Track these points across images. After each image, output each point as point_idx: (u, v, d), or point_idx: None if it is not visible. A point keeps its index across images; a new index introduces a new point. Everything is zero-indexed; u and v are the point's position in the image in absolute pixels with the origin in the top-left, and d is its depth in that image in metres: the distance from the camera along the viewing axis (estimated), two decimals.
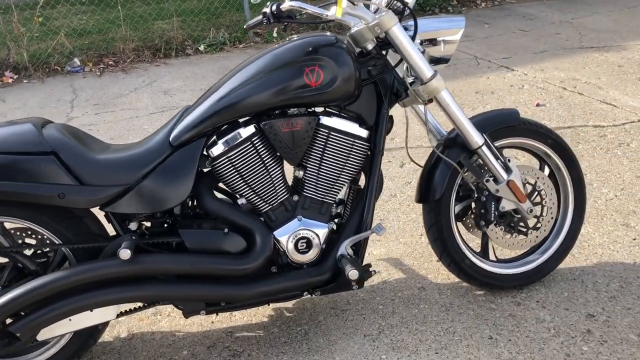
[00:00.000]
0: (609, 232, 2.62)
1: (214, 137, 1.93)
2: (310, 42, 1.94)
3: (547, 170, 2.32)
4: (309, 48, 1.91)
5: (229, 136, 1.90)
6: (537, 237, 2.25)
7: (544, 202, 2.24)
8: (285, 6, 1.91)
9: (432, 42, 2.09)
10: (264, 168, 1.93)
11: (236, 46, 6.06)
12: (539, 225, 2.24)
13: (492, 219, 2.13)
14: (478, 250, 2.29)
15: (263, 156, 1.92)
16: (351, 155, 1.98)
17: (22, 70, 5.50)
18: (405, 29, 2.02)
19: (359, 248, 2.04)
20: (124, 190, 1.84)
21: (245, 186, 1.94)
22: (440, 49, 2.09)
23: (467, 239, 2.31)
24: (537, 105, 4.03)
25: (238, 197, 1.99)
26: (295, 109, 1.96)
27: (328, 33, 2.06)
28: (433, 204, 2.18)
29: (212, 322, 2.24)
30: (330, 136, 1.95)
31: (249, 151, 1.91)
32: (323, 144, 1.95)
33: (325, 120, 1.95)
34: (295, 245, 1.97)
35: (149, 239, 1.91)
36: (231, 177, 1.92)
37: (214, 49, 5.96)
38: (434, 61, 2.16)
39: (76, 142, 1.87)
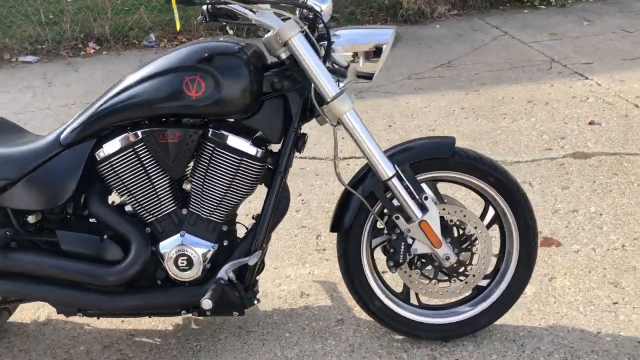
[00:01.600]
0: (589, 289, 2.21)
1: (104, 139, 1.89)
2: (199, 49, 1.80)
3: (491, 213, 2.01)
4: (197, 55, 1.78)
5: (114, 141, 1.83)
6: (462, 287, 1.96)
7: (474, 249, 1.94)
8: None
9: (353, 56, 1.87)
10: (146, 177, 1.84)
11: None
12: (466, 274, 1.95)
13: (401, 260, 1.88)
14: (400, 290, 2.05)
15: (146, 165, 1.83)
16: (238, 175, 1.83)
17: (104, 42, 5.87)
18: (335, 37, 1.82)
19: (246, 273, 1.91)
20: (6, 184, 1.87)
21: (128, 194, 1.87)
22: (359, 65, 1.86)
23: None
24: (590, 123, 3.50)
25: (127, 204, 1.94)
26: (190, 118, 1.87)
27: (236, 39, 1.92)
28: (343, 234, 1.97)
29: (122, 321, 2.24)
30: (215, 152, 1.82)
31: (131, 158, 1.83)
32: (207, 159, 1.83)
33: (212, 133, 1.82)
34: (175, 261, 1.88)
35: (28, 235, 1.93)
36: (115, 182, 1.86)
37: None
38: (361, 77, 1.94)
39: None
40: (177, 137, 1.79)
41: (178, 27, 1.73)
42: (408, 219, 1.86)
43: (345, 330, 2.10)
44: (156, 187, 1.86)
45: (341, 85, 1.90)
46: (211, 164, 1.83)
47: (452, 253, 1.88)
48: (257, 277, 2.07)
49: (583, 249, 2.43)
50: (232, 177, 1.83)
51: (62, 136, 1.88)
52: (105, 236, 1.89)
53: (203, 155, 1.83)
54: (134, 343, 2.12)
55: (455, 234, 1.93)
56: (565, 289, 2.23)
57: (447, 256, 1.88)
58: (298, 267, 2.46)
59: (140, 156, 1.83)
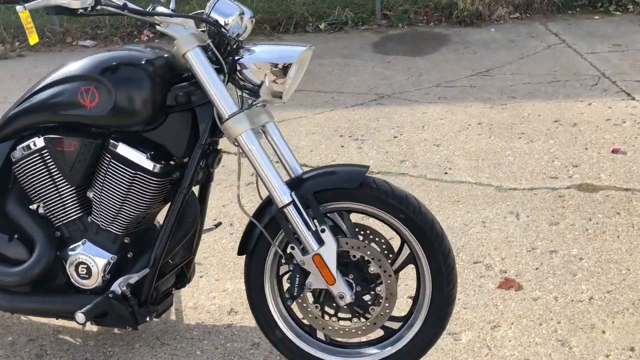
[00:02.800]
0: (531, 344, 1.98)
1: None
2: (100, 58, 1.78)
3: (406, 252, 1.84)
4: (95, 64, 1.76)
5: (25, 144, 1.86)
6: (364, 328, 1.81)
7: (378, 289, 1.78)
8: None
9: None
10: (51, 182, 1.85)
11: (358, 27, 5.81)
12: (367, 315, 1.79)
13: (295, 293, 1.77)
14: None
15: (50, 170, 1.84)
16: (133, 188, 1.79)
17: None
18: None
19: (142, 288, 1.88)
20: None
21: (38, 196, 1.89)
22: (265, 84, 1.75)
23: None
24: (614, 151, 3.14)
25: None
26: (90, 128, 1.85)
27: (150, 48, 1.86)
28: (248, 259, 1.89)
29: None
30: (111, 163, 1.79)
31: (37, 163, 1.85)
32: (104, 170, 1.81)
33: (111, 145, 1.80)
34: (76, 268, 1.89)
35: None
36: (26, 184, 1.89)
37: (334, 29, 5.80)
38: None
39: None
40: (73, 146, 1.78)
41: (33, 40, 1.70)
42: (304, 251, 1.75)
43: (256, 356, 2.03)
44: (61, 193, 1.87)
45: (254, 103, 1.83)
46: (107, 175, 1.81)
47: (347, 291, 1.74)
48: (174, 291, 2.06)
49: (544, 297, 2.18)
50: (126, 189, 1.80)
51: None
52: (16, 236, 1.94)
53: (102, 166, 1.81)
54: (56, 340, 2.16)
55: (359, 272, 1.80)
56: (505, 340, 2.01)
57: (342, 295, 1.74)
58: (239, 281, 2.41)
59: (46, 161, 1.84)
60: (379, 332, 1.89)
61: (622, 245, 2.43)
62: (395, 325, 1.89)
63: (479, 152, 3.28)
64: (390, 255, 1.86)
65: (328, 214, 1.84)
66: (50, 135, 1.80)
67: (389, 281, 1.77)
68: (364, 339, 1.91)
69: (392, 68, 4.69)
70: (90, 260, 1.86)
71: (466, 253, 2.46)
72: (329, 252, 1.72)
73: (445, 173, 3.09)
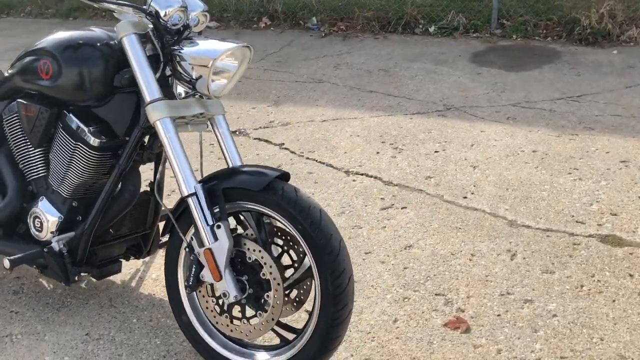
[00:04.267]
0: None
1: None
2: (61, 35, 1.98)
3: (307, 264, 1.77)
4: (56, 41, 1.96)
5: (9, 105, 2.11)
6: (251, 332, 1.78)
7: (266, 296, 1.74)
8: None
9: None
10: (22, 141, 2.09)
11: (468, 34, 5.53)
12: (252, 320, 1.76)
13: (190, 283, 1.79)
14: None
15: (21, 131, 2.07)
16: (74, 158, 1.95)
17: (276, 19, 6.28)
18: None
19: (77, 249, 2.03)
20: None
21: (15, 152, 2.14)
22: (192, 77, 1.79)
23: None
24: None
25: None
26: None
27: (108, 31, 1.98)
28: (167, 244, 1.96)
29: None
30: (60, 131, 1.97)
31: (13, 122, 2.09)
32: (55, 136, 1.99)
33: (63, 115, 1.97)
34: (33, 221, 2.10)
35: None
36: (8, 140, 2.14)
37: (443, 33, 5.58)
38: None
39: None
40: (32, 111, 1.99)
41: None
42: (200, 244, 1.78)
43: (179, 335, 2.10)
44: (29, 152, 2.09)
45: (190, 94, 1.89)
46: (57, 142, 2.00)
47: (233, 291, 1.74)
48: (132, 260, 2.22)
49: (486, 347, 1.98)
50: (69, 158, 1.97)
51: None
52: None
53: (55, 133, 2.00)
54: (36, 282, 2.43)
55: (253, 275, 1.78)
56: None
57: (225, 293, 1.75)
58: None
59: (18, 122, 2.08)
60: (277, 339, 1.89)
61: (611, 311, 2.11)
62: (290, 335, 1.86)
63: (513, 181, 3.01)
64: (296, 266, 1.84)
65: (242, 213, 1.86)
66: (20, 100, 2.04)
67: (277, 289, 1.75)
68: (260, 341, 1.92)
69: (477, 80, 4.43)
70: (43, 215, 2.07)
71: (433, 283, 2.30)
72: (220, 249, 1.74)
73: (465, 197, 2.89)
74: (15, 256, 1.98)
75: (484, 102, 4.02)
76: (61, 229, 2.08)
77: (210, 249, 1.74)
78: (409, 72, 4.66)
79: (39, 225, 2.10)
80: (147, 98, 1.79)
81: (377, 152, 3.38)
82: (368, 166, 3.23)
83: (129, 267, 2.47)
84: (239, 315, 1.82)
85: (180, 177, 1.78)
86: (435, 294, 2.25)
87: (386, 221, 2.73)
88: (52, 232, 2.08)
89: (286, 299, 1.88)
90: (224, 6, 6.51)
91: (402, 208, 2.84)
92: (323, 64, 4.96)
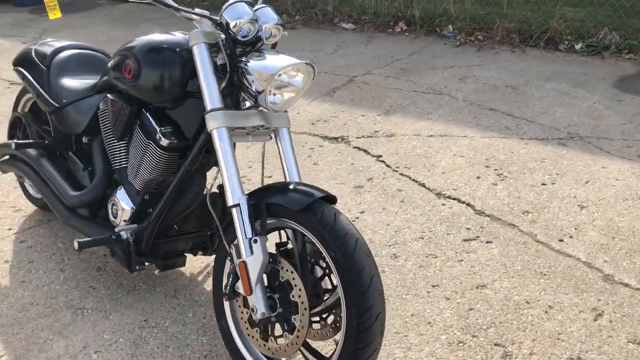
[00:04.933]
0: None
1: None
2: (146, 38, 2.06)
3: (338, 295, 1.68)
4: (141, 43, 2.04)
5: (104, 99, 2.26)
6: (276, 351, 1.73)
7: (293, 318, 1.67)
8: None
9: None
10: (110, 133, 2.22)
11: (620, 54, 4.95)
12: (280, 338, 1.71)
13: (227, 292, 1.79)
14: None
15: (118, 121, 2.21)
16: (146, 155, 2.04)
17: (413, 24, 6.12)
18: None
19: (141, 240, 2.12)
20: (57, 108, 2.49)
21: (105, 141, 2.29)
22: (252, 90, 1.78)
23: None
24: None
25: None
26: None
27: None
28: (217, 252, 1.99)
29: None
30: (137, 128, 2.06)
31: (105, 115, 2.24)
32: (134, 132, 2.08)
33: (142, 113, 2.06)
34: (111, 208, 2.24)
35: (56, 147, 2.55)
36: (102, 131, 2.30)
37: (590, 51, 5.05)
38: None
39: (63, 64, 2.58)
40: (116, 107, 2.12)
41: (52, 16, 1.95)
42: (239, 255, 1.77)
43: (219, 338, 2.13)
44: (114, 143, 2.24)
45: (252, 105, 1.88)
46: (133, 137, 2.10)
47: (261, 307, 1.72)
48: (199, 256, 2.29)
49: None
50: (142, 155, 2.07)
51: (98, 84, 2.40)
52: (89, 168, 2.39)
53: (134, 129, 2.11)
54: (107, 261, 2.60)
55: (284, 295, 1.73)
56: None
57: (254, 308, 1.72)
58: None
59: (107, 115, 2.23)
60: None
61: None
62: None
63: (624, 229, 2.64)
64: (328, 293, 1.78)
65: (287, 229, 1.83)
66: (109, 95, 2.18)
67: (303, 314, 1.69)
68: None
69: (615, 108, 3.96)
70: (119, 204, 2.21)
71: (497, 331, 2.10)
72: (255, 263, 1.73)
73: (560, 240, 2.59)
74: (85, 239, 2.14)
75: (616, 134, 3.59)
76: (133, 219, 2.20)
77: (244, 262, 1.74)
78: (539, 92, 4.30)
79: (115, 213, 2.25)
80: (208, 106, 1.82)
81: (478, 177, 3.17)
82: (463, 191, 3.03)
83: (201, 261, 2.57)
84: (268, 332, 1.81)
85: (228, 186, 1.79)
86: (495, 344, 2.05)
87: (465, 254, 2.55)
88: (124, 221, 2.21)
89: (322, 323, 1.84)
90: (363, 8, 6.51)
91: (486, 242, 2.63)
92: (448, 75, 4.76)
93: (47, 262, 2.62)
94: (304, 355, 1.86)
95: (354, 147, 3.59)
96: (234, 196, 1.79)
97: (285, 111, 1.99)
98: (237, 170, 1.81)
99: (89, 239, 2.14)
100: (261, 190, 1.84)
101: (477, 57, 5.23)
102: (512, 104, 4.12)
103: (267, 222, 1.78)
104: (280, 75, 1.79)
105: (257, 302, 1.74)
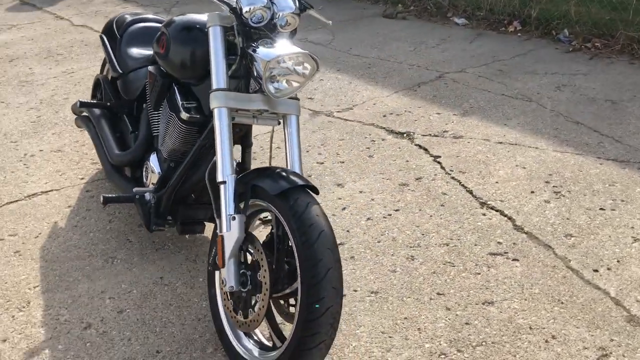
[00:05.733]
0: None
1: None
2: (181, 16, 2.18)
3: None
4: (175, 20, 2.17)
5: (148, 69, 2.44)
6: (241, 325, 1.79)
7: (256, 297, 1.72)
8: None
9: None
10: (150, 101, 2.39)
11: None
12: (245, 314, 1.77)
13: (210, 262, 1.88)
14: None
15: (153, 92, 2.38)
16: (169, 126, 2.19)
17: (528, 24, 5.75)
18: None
19: (161, 203, 2.28)
20: (120, 75, 2.73)
21: (147, 108, 2.46)
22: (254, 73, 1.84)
23: None
24: None
25: None
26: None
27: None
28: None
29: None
30: (166, 100, 2.19)
31: (148, 84, 2.40)
32: (162, 104, 2.22)
33: (171, 87, 2.19)
34: (145, 170, 2.42)
35: (114, 110, 2.80)
36: (147, 97, 2.48)
37: None
38: None
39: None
40: (152, 79, 2.28)
41: None
42: (220, 229, 1.85)
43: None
44: (153, 111, 2.42)
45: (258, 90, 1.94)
46: (163, 108, 2.25)
47: (230, 281, 1.80)
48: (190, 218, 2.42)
49: None
50: (166, 125, 2.22)
51: (152, 56, 2.59)
52: (135, 132, 2.60)
53: (165, 101, 2.25)
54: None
55: (253, 274, 1.79)
56: None
57: (224, 281, 1.80)
58: None
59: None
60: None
61: None
62: (278, 342, 1.85)
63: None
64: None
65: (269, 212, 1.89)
66: (150, 67, 2.35)
67: (264, 294, 1.75)
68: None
69: None
70: (150, 167, 2.41)
71: (485, 351, 2.01)
72: (230, 239, 1.82)
73: (595, 271, 2.38)
74: (111, 195, 2.35)
75: None
76: (159, 183, 2.38)
77: (222, 236, 1.84)
78: None
79: (146, 175, 2.44)
80: (213, 86, 1.92)
81: (532, 191, 2.98)
82: (510, 203, 2.88)
83: None
84: (238, 305, 1.89)
85: (219, 164, 1.89)
86: None
87: (485, 268, 2.44)
88: (153, 184, 2.40)
89: (284, 307, 1.88)
90: (479, 4, 6.25)
91: (512, 259, 2.49)
92: (546, 82, 4.46)
93: (101, 213, 2.91)
94: (270, 335, 1.93)
95: (416, 145, 3.53)
96: (223, 174, 1.88)
97: (297, 99, 2.04)
98: (230, 149, 1.90)
99: (114, 195, 2.36)
100: (251, 172, 1.92)
101: (586, 65, 4.85)
102: (603, 119, 3.80)
103: (253, 203, 1.87)
104: (281, 62, 1.84)
105: (228, 275, 1.83)
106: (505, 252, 2.54)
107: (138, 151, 2.52)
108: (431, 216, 2.82)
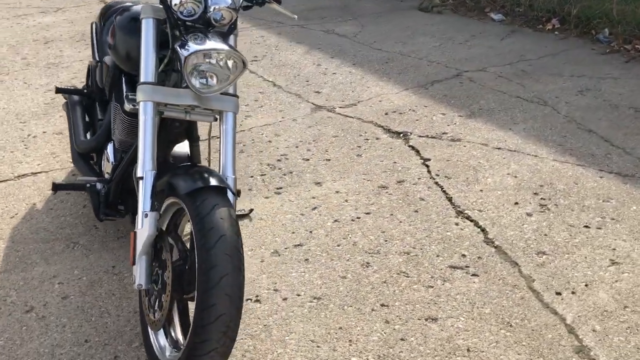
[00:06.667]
0: None
1: None
2: (127, 6, 2.16)
3: None
4: (121, 10, 2.15)
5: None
6: (150, 323, 1.77)
7: (162, 297, 1.68)
8: None
9: None
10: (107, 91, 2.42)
11: None
12: (154, 311, 1.75)
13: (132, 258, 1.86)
14: None
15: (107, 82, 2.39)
16: (116, 117, 2.22)
17: (567, 23, 5.41)
18: None
19: (109, 194, 2.30)
20: (96, 62, 2.73)
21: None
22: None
23: None
24: None
25: None
26: None
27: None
28: None
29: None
30: (115, 90, 2.18)
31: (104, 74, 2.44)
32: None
33: (120, 77, 2.18)
34: (104, 158, 2.44)
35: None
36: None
37: None
38: None
39: None
40: (105, 68, 2.27)
41: None
42: (135, 225, 1.83)
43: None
44: (109, 100, 2.42)
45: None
46: (112, 99, 2.24)
47: (137, 279, 1.78)
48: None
49: None
50: (114, 114, 2.22)
51: None
52: (102, 120, 2.61)
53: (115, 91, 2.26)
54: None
55: (163, 273, 1.76)
56: None
57: (134, 279, 1.77)
58: None
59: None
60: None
61: None
62: (183, 342, 1.82)
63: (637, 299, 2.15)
64: None
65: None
66: (106, 57, 2.35)
67: (167, 295, 1.72)
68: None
69: None
70: (107, 156, 2.42)
71: None
72: (141, 236, 1.80)
73: (558, 294, 2.21)
74: (62, 182, 2.38)
75: None
76: (112, 172, 2.39)
77: (135, 233, 1.82)
78: None
79: (103, 164, 2.46)
80: (141, 79, 1.90)
81: (516, 203, 2.80)
82: (488, 214, 2.72)
83: None
84: (150, 303, 1.87)
85: (140, 158, 1.86)
86: None
87: (439, 282, 2.32)
88: (107, 173, 2.41)
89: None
90: (517, 0, 5.95)
91: (472, 275, 2.35)
92: (569, 85, 4.19)
93: (78, 197, 2.97)
94: (182, 334, 1.91)
95: (409, 146, 3.39)
96: (142, 169, 1.86)
97: (235, 96, 1.98)
98: (152, 144, 1.87)
99: (65, 182, 2.39)
100: (175, 169, 1.88)
101: (619, 69, 4.52)
102: (619, 128, 3.53)
103: (174, 201, 1.83)
104: (207, 58, 1.79)
105: (137, 273, 1.82)
106: (466, 266, 2.41)
107: (99, 139, 2.54)
108: (400, 222, 2.71)
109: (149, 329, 1.95)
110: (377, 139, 3.51)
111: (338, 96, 4.12)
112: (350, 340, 2.06)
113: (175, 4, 1.86)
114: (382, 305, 2.22)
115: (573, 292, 2.25)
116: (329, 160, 3.27)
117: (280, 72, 4.56)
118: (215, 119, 2.02)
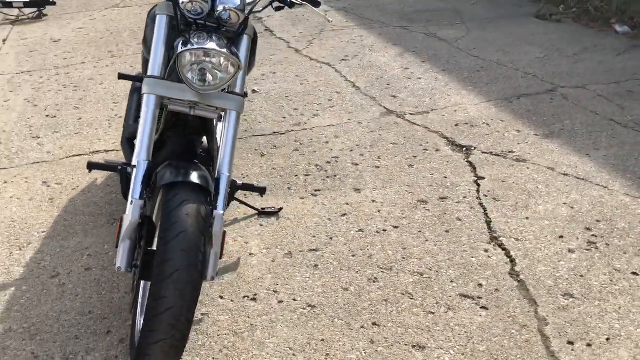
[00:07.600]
0: None
1: None
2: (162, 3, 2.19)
3: None
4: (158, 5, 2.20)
5: None
6: (131, 306, 1.83)
7: (135, 282, 1.74)
8: None
9: None
10: None
11: None
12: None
13: None
14: None
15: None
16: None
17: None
18: None
19: None
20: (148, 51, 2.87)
21: None
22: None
23: None
24: None
25: None
26: None
27: None
28: None
29: None
30: None
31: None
32: None
33: None
34: None
35: None
36: None
37: None
38: None
39: None
40: (142, 60, 2.39)
41: None
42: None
43: None
44: None
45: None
46: None
47: (119, 262, 1.85)
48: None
49: None
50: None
51: None
52: None
53: None
54: None
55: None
56: None
57: (115, 262, 1.84)
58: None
59: None
60: None
61: None
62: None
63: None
64: None
65: None
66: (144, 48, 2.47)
67: (136, 282, 1.77)
68: None
69: None
70: None
71: None
72: (126, 222, 1.87)
73: (570, 343, 1.97)
74: (96, 161, 2.54)
75: None
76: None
77: (122, 218, 1.91)
78: None
79: None
80: (148, 72, 1.98)
81: (561, 236, 2.53)
82: (524, 244, 2.49)
83: None
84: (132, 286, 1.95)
85: (137, 147, 1.96)
86: None
87: (443, 309, 2.17)
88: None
89: None
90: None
91: (481, 307, 2.17)
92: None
93: (87, 177, 3.16)
94: None
95: (467, 161, 3.20)
96: (137, 157, 1.94)
97: (240, 95, 2.00)
98: (151, 135, 1.96)
99: (100, 162, 2.55)
100: (164, 161, 1.94)
101: None
102: None
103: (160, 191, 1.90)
104: (206, 57, 1.83)
105: (119, 256, 1.90)
106: (478, 297, 2.23)
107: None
108: (426, 241, 2.57)
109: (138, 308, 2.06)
110: (436, 150, 3.36)
111: (413, 102, 4.00)
112: (327, 355, 2.01)
113: (182, 2, 1.93)
114: (374, 324, 2.14)
115: (589, 345, 2.01)
116: (378, 167, 3.19)
117: (365, 74, 4.51)
118: (221, 117, 2.07)
